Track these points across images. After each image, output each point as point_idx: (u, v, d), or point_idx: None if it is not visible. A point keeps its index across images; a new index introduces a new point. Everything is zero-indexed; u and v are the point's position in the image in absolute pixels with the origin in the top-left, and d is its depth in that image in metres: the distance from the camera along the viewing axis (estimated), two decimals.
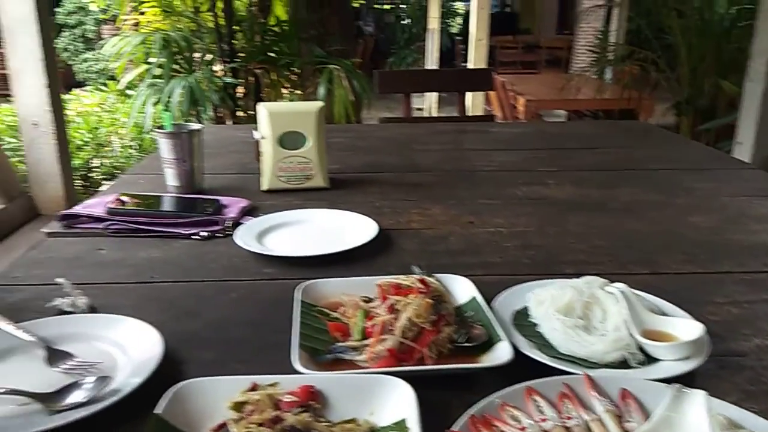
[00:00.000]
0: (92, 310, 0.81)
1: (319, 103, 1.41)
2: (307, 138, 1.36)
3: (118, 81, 5.60)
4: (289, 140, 1.36)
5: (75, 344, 0.71)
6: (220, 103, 3.07)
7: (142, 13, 3.71)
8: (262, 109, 1.36)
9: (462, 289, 0.79)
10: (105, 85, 5.62)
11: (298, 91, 3.16)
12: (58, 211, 1.18)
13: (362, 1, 12.28)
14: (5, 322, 0.73)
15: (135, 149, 3.84)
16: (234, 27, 3.17)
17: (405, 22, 12.05)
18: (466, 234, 1.12)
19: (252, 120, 3.27)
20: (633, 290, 0.76)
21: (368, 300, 0.73)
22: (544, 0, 13.69)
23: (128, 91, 3.84)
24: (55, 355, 0.69)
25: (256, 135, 1.38)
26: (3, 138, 3.47)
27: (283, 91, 3.30)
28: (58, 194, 2.40)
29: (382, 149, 1.86)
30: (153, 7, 3.38)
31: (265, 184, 1.36)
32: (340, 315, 0.73)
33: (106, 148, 3.83)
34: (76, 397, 0.59)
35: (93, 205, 1.19)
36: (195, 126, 1.37)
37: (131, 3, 3.35)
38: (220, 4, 3.14)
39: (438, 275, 0.80)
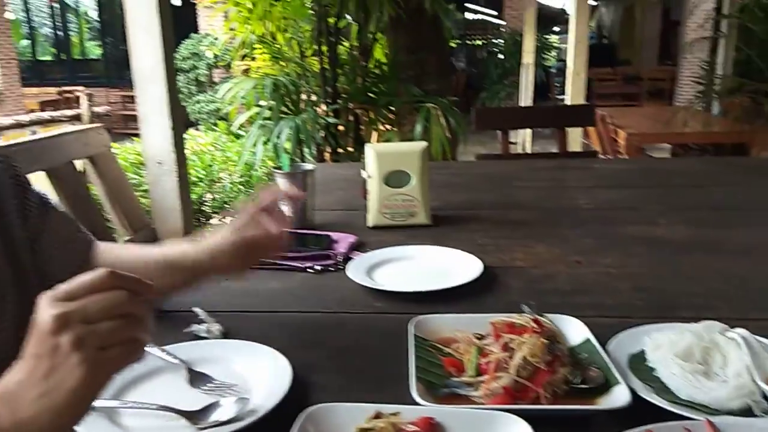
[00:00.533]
0: (224, 335, 0.89)
1: (423, 144, 1.46)
2: (411, 177, 1.42)
3: (229, 122, 6.00)
4: (394, 179, 1.43)
5: (212, 366, 0.78)
6: (323, 142, 3.22)
7: (253, 59, 3.98)
8: (370, 150, 1.44)
9: (574, 331, 0.79)
10: (215, 125, 6.05)
11: (396, 129, 3.26)
12: None
13: (458, 41, 12.46)
14: (153, 346, 0.82)
15: (243, 185, 4.09)
16: (337, 70, 3.34)
17: (497, 56, 12.09)
18: (574, 274, 1.11)
19: (351, 157, 3.40)
20: (755, 336, 0.74)
21: (481, 337, 0.75)
22: (644, 30, 13.28)
23: (238, 131, 4.11)
24: (195, 377, 0.76)
25: (364, 174, 1.45)
26: (128, 174, 3.82)
27: (381, 128, 3.42)
28: (177, 227, 2.61)
29: (481, 186, 1.89)
30: (263, 53, 3.63)
31: (371, 220, 1.43)
32: (453, 351, 0.76)
33: (217, 184, 4.10)
34: (219, 415, 0.66)
35: None
36: (309, 166, 1.47)
37: (244, 50, 3.62)
38: (324, 49, 3.33)
39: (549, 315, 0.81)
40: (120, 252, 1.00)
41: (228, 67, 8.58)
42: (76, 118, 8.59)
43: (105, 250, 1.00)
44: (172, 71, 2.51)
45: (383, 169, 1.42)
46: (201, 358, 0.80)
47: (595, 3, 14.03)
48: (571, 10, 5.51)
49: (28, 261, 0.85)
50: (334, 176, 2.06)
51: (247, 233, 0.87)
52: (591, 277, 1.09)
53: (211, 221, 3.84)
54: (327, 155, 3.40)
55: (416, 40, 3.28)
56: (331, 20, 3.35)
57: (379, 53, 3.50)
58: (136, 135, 3.38)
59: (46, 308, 0.50)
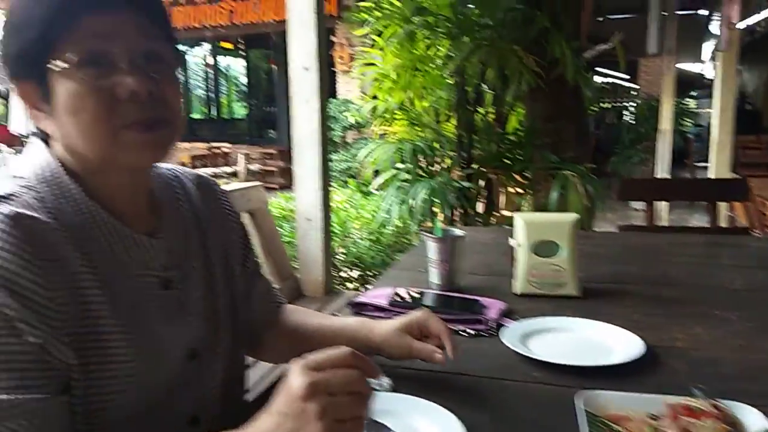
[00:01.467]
0: (393, 390, 0.97)
1: (574, 215, 1.50)
2: (560, 247, 1.45)
3: (362, 180, 6.32)
4: (543, 248, 1.46)
5: (388, 418, 0.86)
6: (455, 204, 3.32)
7: (390, 124, 4.22)
8: (519, 219, 1.49)
9: (751, 419, 0.78)
10: (346, 182, 6.38)
11: (529, 195, 3.29)
12: (338, 296, 1.41)
13: (596, 109, 12.21)
14: None
15: (373, 242, 4.27)
16: (473, 136, 3.45)
17: (629, 120, 11.73)
18: (738, 358, 1.07)
19: (482, 220, 3.46)
20: None
21: (654, 417, 0.76)
22: None
23: (371, 190, 4.33)
24: (374, 426, 0.84)
25: (512, 242, 1.50)
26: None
27: (514, 193, 3.46)
28: (318, 279, 2.80)
29: (627, 258, 1.86)
30: (401, 119, 3.85)
31: (519, 288, 1.46)
32: (623, 429, 0.78)
33: (349, 239, 4.32)
34: None
35: (377, 296, 1.40)
36: (458, 232, 1.55)
37: (384, 116, 3.86)
38: (461, 116, 3.48)
39: (723, 401, 0.80)
40: (305, 317, 1.12)
41: (360, 128, 9.12)
42: (234, 175, 9.49)
43: (292, 311, 1.14)
44: (326, 139, 2.75)
45: (532, 238, 1.46)
46: (376, 409, 0.88)
47: (738, 68, 13.28)
48: (714, 76, 5.29)
49: (230, 310, 0.97)
50: (472, 239, 2.12)
51: (413, 333, 0.99)
52: (758, 363, 1.05)
53: (341, 273, 4.04)
54: (460, 219, 3.49)
55: (555, 108, 3.33)
56: (469, 88, 3.50)
57: (514, 122, 3.58)
58: (273, 188, 3.73)
59: (300, 375, 0.60)
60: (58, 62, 0.72)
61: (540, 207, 3.17)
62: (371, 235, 4.31)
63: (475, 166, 3.38)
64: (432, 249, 1.51)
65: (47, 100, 0.75)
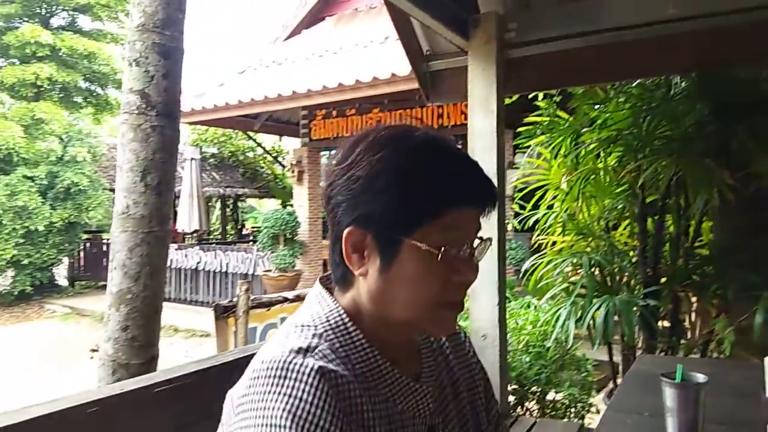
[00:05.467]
0: None
1: None
2: None
3: (513, 288, 6.13)
4: None
5: None
6: (640, 324, 3.07)
7: (550, 233, 4.10)
8: None
9: None
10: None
11: (727, 318, 2.95)
12: None
13: None
14: None
15: (533, 355, 4.03)
16: (660, 250, 3.24)
17: None
18: None
19: (669, 346, 3.15)
20: None
21: None
22: None
23: (537, 302, 4.16)
24: None
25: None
26: None
27: (704, 313, 3.14)
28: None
29: None
30: (570, 230, 3.72)
31: None
32: None
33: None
34: None
35: None
36: (701, 378, 1.38)
37: (557, 227, 3.76)
38: (643, 228, 3.29)
39: None
40: None
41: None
42: None
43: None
44: (504, 253, 2.72)
45: None
46: None
47: None
48: None
49: None
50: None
51: None
52: None
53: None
54: (641, 343, 3.21)
55: (752, 222, 3.04)
56: (649, 199, 3.33)
57: (705, 233, 3.32)
58: None
59: None
60: (422, 244, 0.77)
61: (741, 331, 2.83)
62: (533, 350, 4.09)
63: (662, 283, 3.13)
64: (671, 396, 1.35)
65: (386, 260, 0.79)
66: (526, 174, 4.04)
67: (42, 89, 14.69)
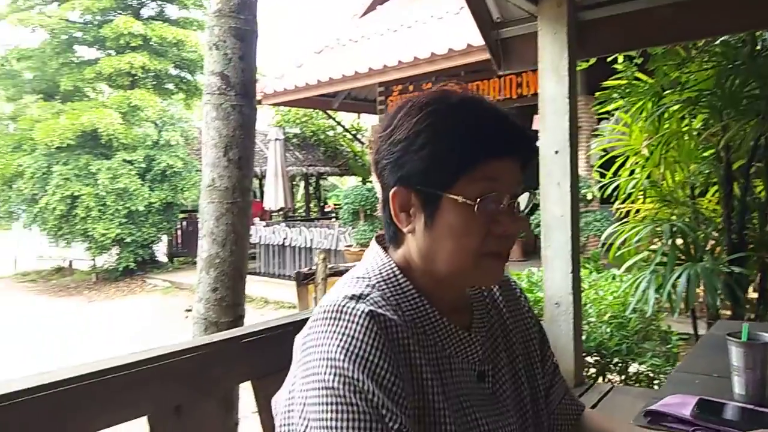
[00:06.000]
0: None
1: None
2: None
3: (590, 257, 5.99)
4: None
5: None
6: (725, 292, 2.95)
7: (632, 202, 3.97)
8: None
9: None
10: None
11: None
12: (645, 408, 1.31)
13: None
14: None
15: (616, 327, 3.96)
16: (747, 217, 3.09)
17: None
18: None
19: (757, 313, 3.01)
20: None
21: None
22: None
23: (618, 272, 4.07)
24: None
25: None
26: None
27: None
28: (568, 369, 2.67)
29: None
30: (651, 197, 3.61)
31: None
32: None
33: (587, 324, 4.06)
34: None
35: (672, 405, 1.28)
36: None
37: (631, 192, 3.66)
38: (730, 193, 3.14)
39: None
40: (611, 425, 1.09)
41: (587, 203, 8.73)
42: None
43: (592, 416, 1.11)
44: (577, 221, 2.69)
45: None
46: None
47: None
48: None
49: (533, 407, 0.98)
50: None
51: None
52: None
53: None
54: (725, 313, 3.09)
55: None
56: (737, 164, 3.16)
57: None
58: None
59: None
60: (459, 197, 0.82)
61: None
62: (614, 320, 4.01)
63: (750, 250, 2.99)
64: (737, 355, 1.34)
65: (429, 216, 0.84)
66: (607, 140, 3.93)
67: (136, 77, 15.63)
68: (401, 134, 0.84)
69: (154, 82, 16.42)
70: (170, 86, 17.17)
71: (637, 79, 3.41)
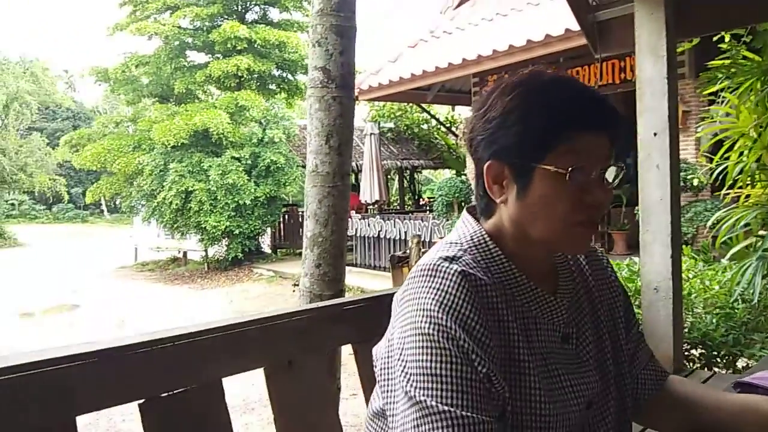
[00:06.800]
0: None
1: None
2: None
3: (701, 247, 5.69)
4: None
5: None
6: None
7: (740, 187, 3.76)
8: None
9: None
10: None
11: None
12: (735, 380, 1.32)
13: None
14: None
15: (724, 317, 3.78)
16: None
17: None
18: None
19: None
20: None
21: None
22: None
23: (723, 260, 3.88)
24: None
25: None
26: None
27: None
28: (667, 355, 2.61)
29: None
30: (762, 181, 3.41)
31: None
32: None
33: (691, 314, 3.91)
34: None
35: (766, 379, 1.27)
36: None
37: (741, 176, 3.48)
38: None
39: None
40: (698, 390, 1.10)
41: (696, 191, 8.26)
42: None
43: (680, 382, 1.13)
44: (677, 204, 2.62)
45: None
46: None
47: None
48: None
49: (613, 370, 1.03)
50: None
51: None
52: None
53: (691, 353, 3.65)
54: None
55: None
56: None
57: None
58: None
59: None
60: (551, 167, 0.88)
61: None
62: (720, 310, 3.83)
63: None
64: None
65: (522, 187, 0.90)
66: (717, 123, 3.75)
67: (242, 79, 16.54)
68: (495, 112, 0.91)
69: (258, 83, 17.27)
70: (273, 86, 17.99)
71: (745, 58, 3.23)
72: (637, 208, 2.83)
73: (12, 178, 26.77)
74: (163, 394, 1.11)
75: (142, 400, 1.09)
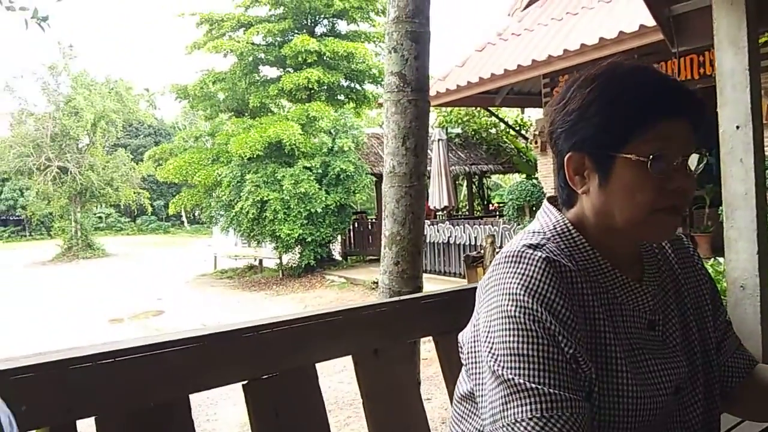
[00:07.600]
0: None
1: None
2: None
3: None
4: None
5: None
6: None
7: None
8: None
9: None
10: None
11: None
12: None
13: None
14: None
15: None
16: None
17: None
18: None
19: None
20: None
21: None
22: None
23: None
24: None
25: None
26: None
27: None
28: (756, 353, 2.51)
29: None
30: None
31: None
32: None
33: None
34: None
35: None
36: None
37: None
38: None
39: None
40: None
41: None
42: None
43: (765, 370, 1.12)
44: (763, 199, 2.53)
45: None
46: None
47: None
48: None
49: (700, 358, 1.03)
50: None
51: None
52: None
53: None
54: None
55: None
56: None
57: None
58: None
59: None
60: (633, 156, 0.88)
61: None
62: None
63: None
64: None
65: (604, 176, 0.91)
66: None
67: (312, 91, 16.99)
68: (575, 104, 0.91)
69: (328, 94, 17.68)
70: (341, 97, 18.37)
71: None
72: (720, 208, 2.74)
73: (100, 192, 28.56)
74: (264, 377, 1.21)
75: (245, 381, 1.19)
